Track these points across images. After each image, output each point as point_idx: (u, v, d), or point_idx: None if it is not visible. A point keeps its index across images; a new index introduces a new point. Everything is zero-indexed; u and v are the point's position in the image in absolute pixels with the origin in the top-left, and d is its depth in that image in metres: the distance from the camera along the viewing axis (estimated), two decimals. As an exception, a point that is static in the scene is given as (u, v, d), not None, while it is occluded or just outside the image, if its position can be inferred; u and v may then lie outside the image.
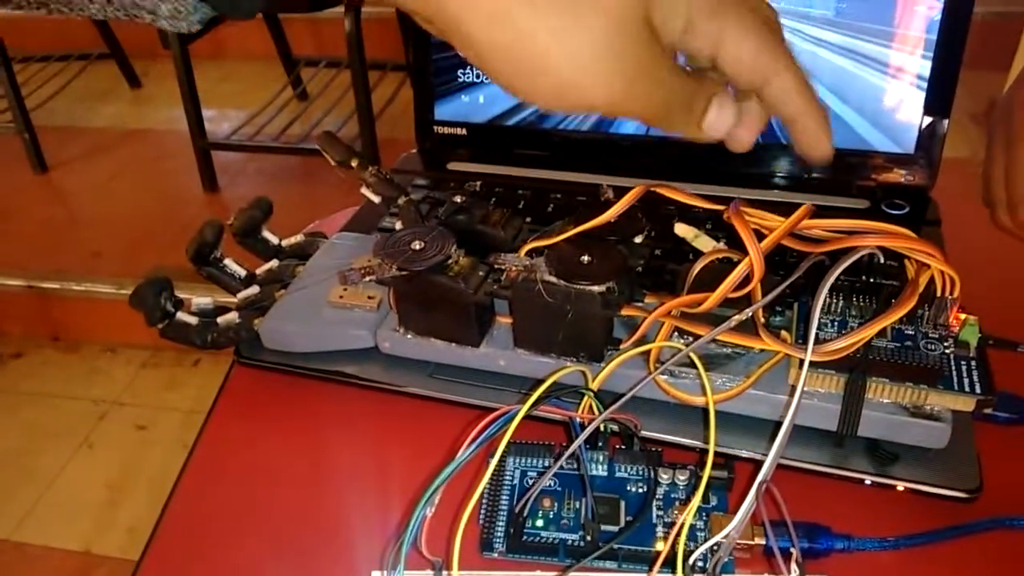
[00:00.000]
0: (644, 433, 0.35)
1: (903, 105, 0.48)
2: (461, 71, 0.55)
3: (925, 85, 0.47)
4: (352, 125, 1.63)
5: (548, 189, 0.52)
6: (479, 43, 0.24)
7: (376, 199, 0.45)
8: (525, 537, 0.32)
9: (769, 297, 0.32)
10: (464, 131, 0.57)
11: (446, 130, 0.57)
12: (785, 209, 0.45)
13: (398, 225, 0.44)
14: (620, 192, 0.39)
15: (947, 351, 0.33)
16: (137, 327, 1.38)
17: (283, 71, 1.99)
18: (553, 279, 0.34)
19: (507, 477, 0.35)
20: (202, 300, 0.43)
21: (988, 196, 0.36)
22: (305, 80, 1.97)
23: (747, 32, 0.26)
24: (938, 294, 0.33)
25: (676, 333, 0.35)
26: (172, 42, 1.54)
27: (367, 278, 0.35)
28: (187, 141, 1.68)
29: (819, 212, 0.48)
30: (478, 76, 0.55)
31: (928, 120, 0.48)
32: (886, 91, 0.48)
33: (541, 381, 0.33)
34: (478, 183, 0.45)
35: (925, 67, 0.47)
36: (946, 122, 0.48)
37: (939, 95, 0.47)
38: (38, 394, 1.47)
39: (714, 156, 0.52)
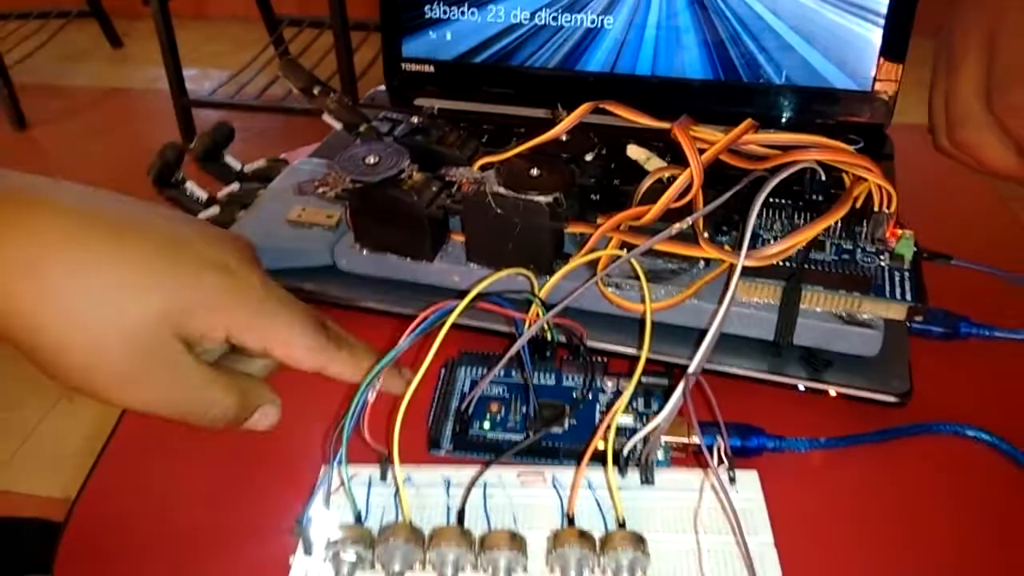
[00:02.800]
0: (590, 343, 0.36)
1: (861, 43, 0.49)
2: (428, 7, 0.55)
3: (882, 23, 0.48)
4: (334, 85, 1.62)
5: (512, 124, 0.53)
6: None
7: (338, 125, 0.46)
8: (471, 436, 0.34)
9: (709, 208, 0.33)
10: (431, 68, 0.57)
11: (413, 67, 0.57)
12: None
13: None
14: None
15: (882, 263, 0.34)
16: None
17: (266, 32, 1.97)
18: (503, 190, 0.35)
19: (457, 384, 0.36)
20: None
21: (930, 122, 0.37)
22: (287, 40, 1.96)
23: (293, 338, 0.29)
24: (875, 208, 0.34)
25: (624, 247, 0.36)
26: (152, -2, 1.53)
27: (321, 189, 0.36)
28: (167, 100, 1.67)
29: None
30: (445, 12, 0.55)
31: (885, 58, 0.49)
32: (845, 29, 0.49)
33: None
34: (435, 107, 0.45)
35: (883, 5, 0.48)
36: (902, 60, 0.49)
37: (896, 34, 0.48)
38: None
39: (676, 94, 0.53)
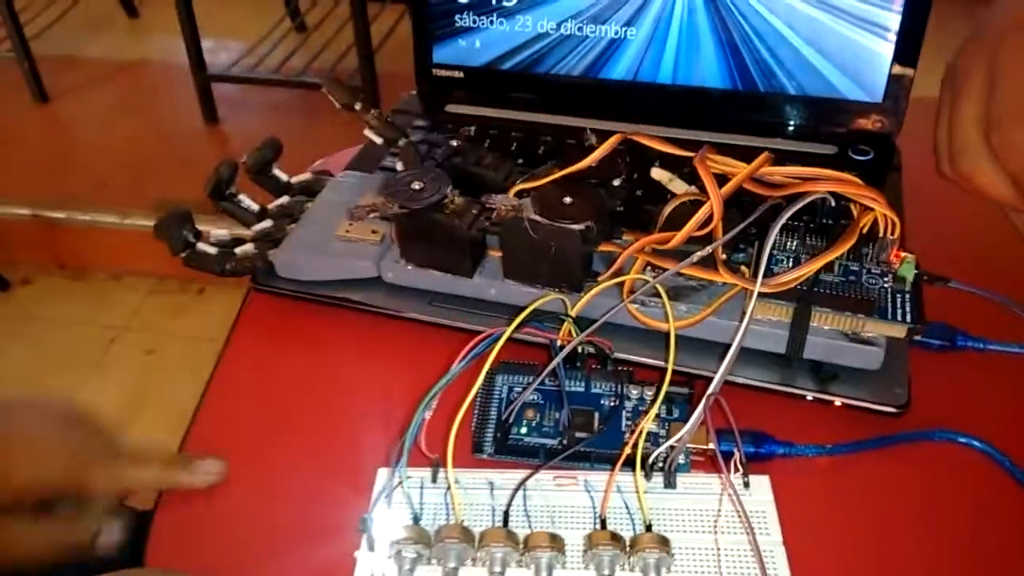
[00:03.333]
0: (617, 355, 0.40)
1: (873, 56, 0.51)
2: (458, 16, 0.58)
3: (894, 38, 0.50)
4: (351, 58, 1.64)
5: (539, 132, 0.55)
6: None
7: (378, 140, 0.49)
8: (511, 441, 0.37)
9: (727, 236, 0.36)
10: (461, 74, 0.60)
11: (444, 73, 0.60)
12: (757, 153, 0.50)
13: (399, 165, 0.48)
14: (603, 136, 0.43)
15: (886, 285, 0.37)
16: (142, 255, 1.44)
17: (281, 1, 1.98)
18: (538, 218, 0.38)
19: (496, 391, 0.40)
20: (219, 232, 0.47)
21: (935, 147, 0.40)
22: (303, 10, 1.96)
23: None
24: (880, 235, 0.38)
25: (648, 267, 0.40)
26: (170, -29, 1.54)
27: (372, 215, 0.39)
28: (186, 72, 1.69)
29: (789, 156, 0.52)
30: (474, 21, 0.57)
31: (895, 71, 0.51)
32: (857, 43, 0.51)
33: (526, 308, 0.38)
34: (472, 128, 0.48)
35: (895, 21, 0.50)
36: (912, 73, 0.51)
37: (907, 48, 0.50)
38: (49, 320, 1.52)
39: (695, 102, 0.56)
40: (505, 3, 0.56)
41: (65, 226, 1.56)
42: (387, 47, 1.78)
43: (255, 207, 0.48)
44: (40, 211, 1.56)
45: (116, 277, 1.58)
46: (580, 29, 0.56)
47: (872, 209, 0.37)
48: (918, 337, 0.39)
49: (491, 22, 0.57)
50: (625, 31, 0.55)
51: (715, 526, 0.33)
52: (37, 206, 1.57)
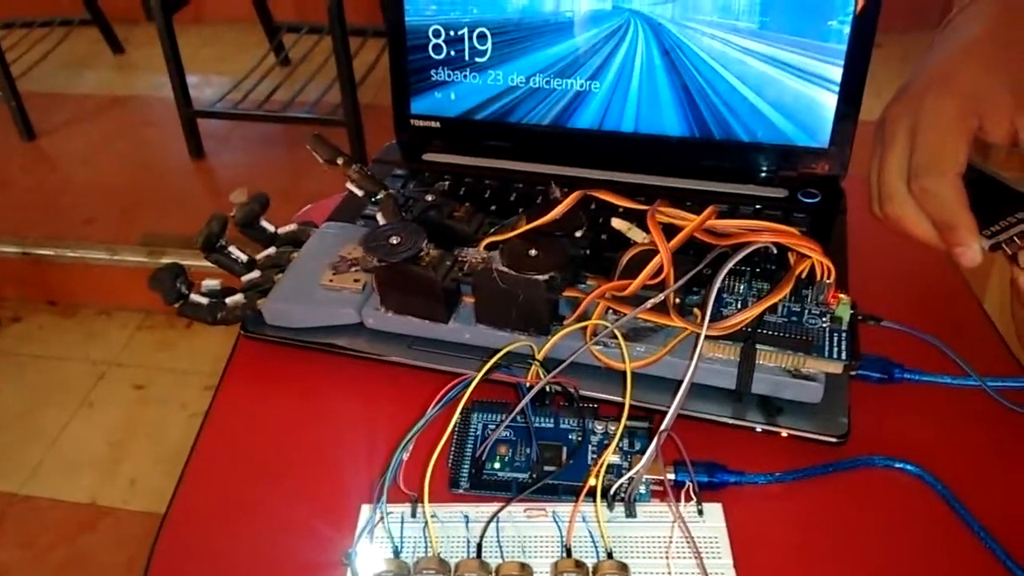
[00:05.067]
0: (583, 392, 0.43)
1: (818, 106, 0.55)
2: (434, 70, 0.62)
3: (837, 89, 0.55)
4: (335, 92, 1.68)
5: (511, 179, 0.59)
6: None
7: (360, 193, 0.52)
8: (485, 476, 0.40)
9: (678, 284, 0.39)
10: (438, 124, 0.63)
11: (421, 123, 0.64)
12: (715, 196, 0.53)
13: (379, 215, 0.51)
14: (570, 184, 0.47)
15: (824, 325, 0.41)
16: (131, 291, 1.48)
17: (263, 36, 2.02)
18: (506, 269, 0.41)
19: (471, 429, 0.43)
20: (210, 282, 0.50)
21: (868, 192, 0.44)
22: (287, 46, 2.01)
23: None
24: (817, 279, 0.41)
25: (610, 311, 0.43)
26: (156, 12, 1.57)
27: (353, 268, 0.42)
28: (172, 108, 1.72)
29: (743, 199, 0.56)
30: (449, 76, 0.61)
31: (840, 119, 0.55)
32: (804, 93, 0.55)
33: (498, 351, 0.41)
34: (447, 182, 0.52)
35: (837, 73, 0.54)
36: (856, 121, 0.55)
37: (850, 98, 0.55)
38: (38, 356, 1.54)
39: (656, 149, 0.60)
40: (477, 59, 0.60)
41: (54, 263, 1.58)
42: (371, 79, 1.82)
43: (244, 258, 0.51)
44: (29, 248, 1.58)
45: (106, 313, 1.61)
46: (548, 82, 0.60)
47: (809, 256, 0.41)
48: (858, 371, 0.43)
49: (465, 76, 0.61)
50: (590, 84, 0.59)
51: (668, 552, 0.36)
52: (26, 244, 1.59)
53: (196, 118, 1.74)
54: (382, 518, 0.37)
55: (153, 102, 2.01)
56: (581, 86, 0.59)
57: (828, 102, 0.55)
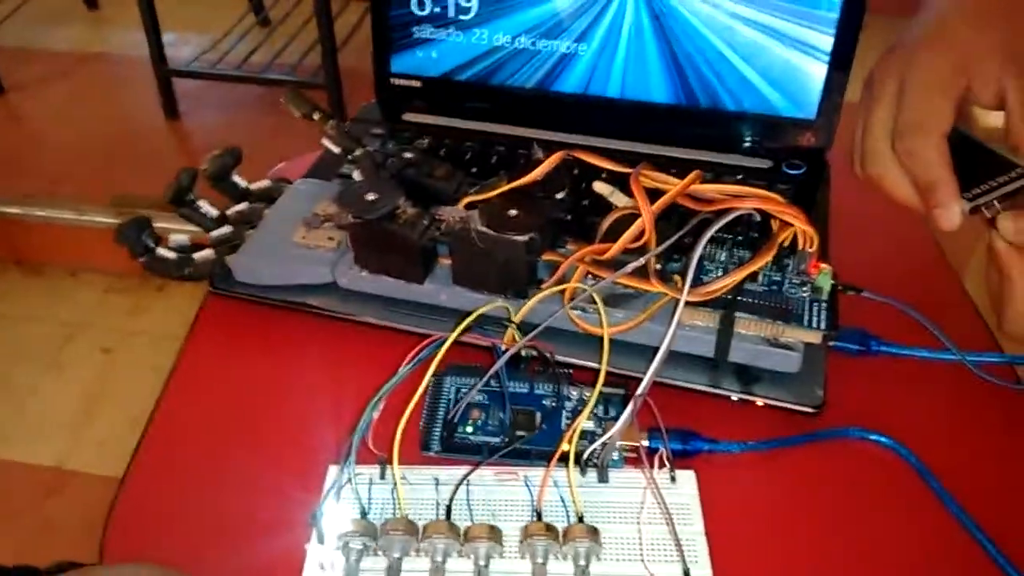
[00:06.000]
0: (558, 358, 0.42)
1: (807, 76, 0.54)
2: (416, 27, 0.60)
3: (827, 59, 0.54)
4: (315, 54, 1.64)
5: (493, 142, 0.58)
6: None
7: (336, 149, 0.51)
8: (456, 439, 0.40)
9: (659, 249, 0.38)
10: (419, 83, 0.62)
11: (402, 82, 0.62)
12: (699, 165, 0.53)
13: (355, 173, 0.50)
14: (552, 149, 0.45)
15: (804, 294, 0.40)
16: (100, 252, 1.45)
17: (243, -5, 1.97)
18: (485, 229, 0.40)
19: (444, 392, 0.42)
20: (179, 237, 0.49)
21: (851, 151, 0.43)
22: (267, 5, 1.96)
23: None
24: (799, 247, 0.41)
25: (589, 275, 0.42)
26: (131, -35, 1.53)
27: (327, 224, 0.41)
28: (147, 66, 1.68)
29: (727, 169, 0.55)
30: (431, 33, 0.60)
31: (828, 91, 0.54)
32: (793, 63, 0.54)
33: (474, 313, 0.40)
34: (426, 140, 0.50)
35: (828, 43, 0.53)
36: (843, 93, 0.54)
37: (839, 68, 0.54)
38: (4, 317, 1.50)
39: (641, 116, 0.58)
40: (462, 16, 0.59)
41: (22, 222, 1.54)
42: (352, 42, 1.78)
43: (214, 213, 0.50)
44: (-4, 206, 1.55)
45: (73, 274, 1.57)
46: (534, 43, 0.58)
47: (792, 224, 0.40)
48: (836, 342, 0.43)
49: (448, 34, 0.59)
50: (576, 46, 0.58)
51: (639, 517, 0.35)
52: (-8, 201, 1.55)
53: (171, 77, 1.70)
54: (350, 479, 0.36)
55: (127, 60, 1.95)
56: (567, 48, 0.58)
57: (817, 72, 0.54)
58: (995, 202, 0.37)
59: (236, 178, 0.51)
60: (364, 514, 0.36)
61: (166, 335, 1.40)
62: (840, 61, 0.54)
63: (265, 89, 1.75)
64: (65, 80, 1.91)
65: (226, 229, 0.48)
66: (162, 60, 1.66)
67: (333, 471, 0.38)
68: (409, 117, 0.61)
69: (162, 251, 0.47)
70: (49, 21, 2.12)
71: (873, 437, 0.40)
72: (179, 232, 0.49)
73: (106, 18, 2.16)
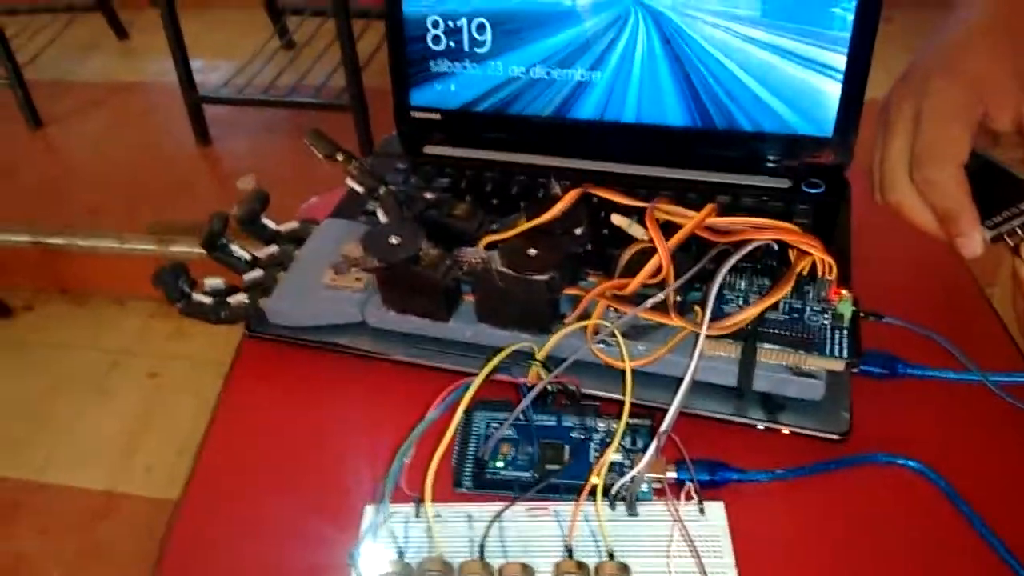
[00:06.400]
0: (585, 390, 0.43)
1: (822, 95, 0.55)
2: (433, 61, 0.61)
3: (841, 77, 0.54)
4: (340, 76, 1.67)
5: (513, 172, 0.59)
6: None
7: (360, 189, 0.52)
8: (488, 475, 0.41)
9: (677, 284, 0.39)
10: (438, 116, 0.63)
11: (421, 115, 0.63)
12: (717, 187, 0.53)
13: (379, 212, 0.51)
14: (571, 177, 0.46)
15: (825, 322, 0.41)
16: (142, 280, 1.48)
17: (267, 19, 2.01)
18: (505, 270, 0.41)
19: (474, 428, 0.43)
20: (213, 281, 0.50)
21: (870, 179, 0.44)
22: (291, 28, 2.00)
23: None
24: (819, 276, 0.41)
25: (611, 309, 0.43)
26: (159, -2, 1.57)
27: (354, 269, 0.43)
28: (177, 94, 1.72)
29: (745, 190, 0.55)
30: (448, 67, 0.61)
31: (844, 108, 0.55)
32: (808, 82, 0.55)
33: (500, 349, 0.41)
34: (447, 180, 0.51)
35: (841, 62, 0.53)
36: (860, 109, 0.54)
37: (853, 86, 0.54)
38: (51, 345, 1.55)
39: (658, 139, 0.59)
40: (477, 49, 0.60)
41: (65, 252, 1.59)
42: (375, 62, 1.81)
43: (247, 256, 0.51)
44: (40, 238, 1.59)
45: (118, 302, 1.62)
46: (548, 73, 0.59)
47: (811, 253, 0.40)
48: (861, 366, 0.43)
49: (464, 67, 0.61)
50: (591, 74, 0.59)
51: (668, 551, 0.36)
52: (37, 232, 1.60)
53: (201, 103, 1.74)
54: (385, 520, 0.37)
55: (158, 88, 2.00)
56: (582, 76, 0.59)
57: (831, 90, 0.54)
58: (1018, 229, 0.37)
59: (265, 220, 0.53)
60: (401, 554, 0.37)
61: (208, 360, 1.44)
62: (855, 77, 0.54)
63: (292, 111, 1.78)
64: (99, 110, 1.97)
65: (258, 272, 0.50)
66: (192, 87, 1.70)
67: (369, 511, 0.39)
68: (430, 149, 0.62)
69: (198, 296, 0.49)
70: (81, 53, 2.18)
71: (901, 461, 0.41)
72: (213, 276, 0.51)
73: (136, 48, 2.22)
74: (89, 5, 2.14)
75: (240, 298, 0.49)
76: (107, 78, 2.09)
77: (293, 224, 0.54)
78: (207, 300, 0.49)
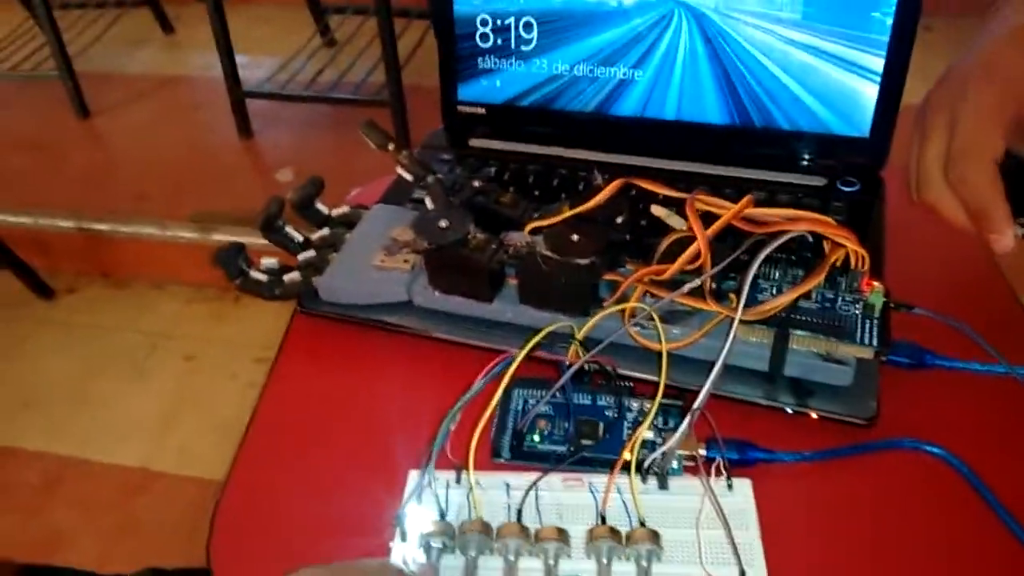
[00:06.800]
0: (620, 371, 0.45)
1: (859, 96, 0.56)
2: (481, 58, 0.63)
3: (879, 80, 0.55)
4: (379, 73, 1.70)
5: (555, 165, 0.61)
6: None
7: (409, 177, 0.55)
8: (525, 448, 0.43)
9: (714, 271, 0.41)
10: (483, 110, 0.65)
11: (468, 109, 0.66)
12: (754, 184, 0.55)
13: (427, 199, 0.54)
14: (611, 171, 0.48)
15: (856, 312, 0.42)
16: (182, 266, 1.55)
17: (309, 17, 2.05)
18: (549, 253, 0.43)
19: (513, 404, 0.45)
20: (269, 260, 0.53)
21: (908, 178, 0.45)
22: (333, 27, 2.04)
23: None
24: (852, 267, 0.42)
25: (647, 294, 0.45)
26: (206, -7, 1.61)
27: (404, 250, 0.45)
28: (221, 88, 1.76)
29: (782, 188, 0.57)
30: (495, 64, 0.63)
31: (881, 109, 0.56)
32: (845, 83, 0.56)
33: (540, 330, 0.43)
34: (493, 170, 0.54)
35: (879, 64, 0.55)
36: (896, 111, 0.56)
37: (891, 87, 0.55)
38: (92, 327, 1.60)
39: (697, 137, 0.61)
40: (523, 47, 0.62)
41: (108, 237, 1.64)
42: (415, 60, 1.84)
43: (300, 238, 0.54)
44: (84, 223, 1.65)
45: (157, 286, 1.66)
46: (592, 71, 0.61)
47: (845, 246, 0.42)
48: (890, 356, 0.44)
49: (510, 64, 0.63)
50: (633, 72, 0.61)
51: (698, 522, 0.38)
52: (81, 218, 1.65)
53: (245, 98, 1.78)
54: (430, 483, 0.39)
55: (203, 81, 2.05)
56: (624, 74, 0.61)
57: (869, 92, 0.56)
58: None
59: (319, 205, 0.56)
60: (443, 515, 0.39)
61: (244, 343, 1.48)
62: (892, 79, 0.55)
63: (332, 107, 1.82)
64: (145, 102, 2.02)
65: (311, 253, 0.53)
66: (236, 82, 1.74)
67: (414, 475, 0.42)
68: (475, 143, 0.65)
69: (255, 274, 0.52)
70: (129, 45, 2.24)
71: (926, 448, 0.42)
72: (268, 256, 0.53)
73: (181, 42, 2.27)
74: (137, 0, 2.21)
75: (294, 276, 0.52)
76: (153, 71, 2.15)
77: (344, 209, 0.56)
78: (263, 278, 0.52)
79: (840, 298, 0.43)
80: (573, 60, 0.61)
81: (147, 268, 1.65)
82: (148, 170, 1.79)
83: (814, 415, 0.43)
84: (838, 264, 0.43)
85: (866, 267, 0.42)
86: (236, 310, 1.58)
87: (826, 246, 0.43)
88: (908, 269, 0.49)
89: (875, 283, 0.43)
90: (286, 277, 0.52)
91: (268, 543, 0.42)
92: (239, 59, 1.74)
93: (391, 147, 0.54)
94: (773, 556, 0.38)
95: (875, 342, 0.41)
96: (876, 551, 0.39)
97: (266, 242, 0.54)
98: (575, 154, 0.62)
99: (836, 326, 0.41)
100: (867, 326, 0.42)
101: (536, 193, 0.58)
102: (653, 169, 0.60)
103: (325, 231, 0.54)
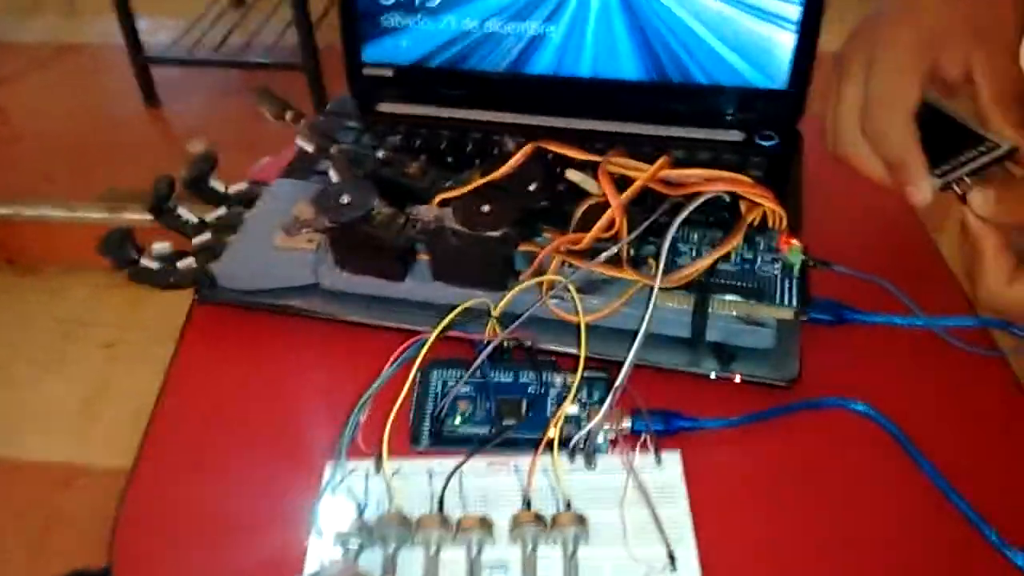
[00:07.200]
0: (541, 346, 0.43)
1: (776, 46, 0.55)
2: (384, 16, 0.60)
3: (795, 28, 0.54)
4: (291, 34, 1.63)
5: (468, 129, 0.58)
6: None
7: (310, 148, 0.51)
8: (446, 433, 0.41)
9: (630, 238, 0.39)
10: (391, 72, 0.62)
11: (374, 72, 0.62)
12: (672, 141, 0.53)
13: (331, 172, 0.50)
14: (526, 132, 0.46)
15: (775, 272, 0.41)
16: (93, 250, 1.44)
17: (216, -23, 1.94)
18: (459, 227, 0.41)
19: (431, 386, 0.43)
20: (160, 246, 0.49)
21: (824, 130, 0.44)
22: (240, -13, 1.93)
23: None
24: (770, 226, 0.41)
25: (566, 264, 0.43)
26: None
27: (304, 230, 0.42)
28: (124, 55, 1.66)
29: (700, 144, 0.56)
30: (400, 22, 0.59)
31: (797, 59, 0.55)
32: (761, 33, 0.55)
33: (456, 307, 0.41)
34: (399, 137, 0.51)
35: (795, 12, 0.53)
36: (813, 61, 0.55)
37: (807, 37, 0.54)
38: (0, 317, 1.51)
39: (613, 94, 0.59)
40: (429, 3, 0.58)
41: (12, 221, 1.54)
42: (329, 18, 1.76)
43: (194, 219, 0.50)
44: (-17, 207, 1.54)
45: (68, 271, 1.58)
46: (503, 27, 0.58)
47: (762, 204, 0.41)
48: (810, 315, 0.43)
49: (416, 21, 0.59)
50: (545, 28, 0.58)
51: (622, 501, 0.37)
52: (-20, 202, 1.55)
53: (148, 65, 1.69)
54: (343, 478, 0.37)
55: (104, 49, 1.93)
56: (536, 30, 0.58)
57: (785, 42, 0.54)
58: (965, 177, 0.38)
59: (214, 182, 0.52)
60: (361, 508, 0.37)
61: (164, 328, 1.41)
62: (808, 30, 0.54)
63: (244, 72, 1.73)
64: (44, 72, 1.90)
65: (207, 236, 0.49)
66: (138, 48, 1.65)
67: (330, 467, 0.39)
68: (384, 107, 0.61)
69: (146, 262, 0.48)
70: (23, 13, 2.10)
71: (850, 406, 0.42)
72: (160, 240, 0.49)
73: (79, 7, 2.13)
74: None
75: (188, 262, 0.48)
76: (50, 39, 2.01)
77: (242, 185, 0.52)
78: (155, 266, 0.48)
79: (759, 258, 0.42)
80: (483, 15, 0.58)
81: (56, 253, 1.56)
82: (50, 146, 1.68)
83: (737, 379, 0.42)
84: (755, 223, 0.42)
85: (783, 225, 0.41)
86: (154, 294, 1.47)
87: (743, 206, 0.42)
88: (827, 224, 0.49)
89: (793, 241, 0.42)
90: (181, 264, 0.48)
91: (178, 540, 0.39)
92: (141, 23, 1.64)
93: (288, 116, 0.50)
94: (704, 529, 0.37)
95: (794, 302, 0.40)
96: (805, 511, 0.39)
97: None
98: (489, 116, 0.59)
99: (756, 288, 0.40)
100: (787, 285, 0.41)
101: (448, 160, 0.56)
102: (570, 130, 0.58)
103: (222, 211, 0.51)
